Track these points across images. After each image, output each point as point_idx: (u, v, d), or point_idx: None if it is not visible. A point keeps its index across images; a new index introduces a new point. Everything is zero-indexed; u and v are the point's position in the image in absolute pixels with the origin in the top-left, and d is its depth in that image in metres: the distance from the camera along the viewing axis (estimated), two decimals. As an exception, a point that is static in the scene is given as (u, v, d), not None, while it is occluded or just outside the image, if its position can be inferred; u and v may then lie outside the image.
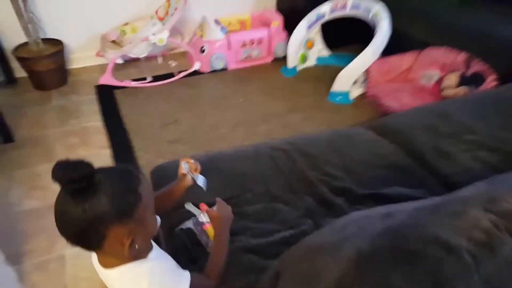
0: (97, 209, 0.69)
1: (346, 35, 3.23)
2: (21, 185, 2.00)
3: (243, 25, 3.44)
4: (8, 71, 2.76)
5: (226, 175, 1.42)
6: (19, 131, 2.38)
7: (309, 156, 1.54)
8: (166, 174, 1.41)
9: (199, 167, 1.15)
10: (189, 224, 1.17)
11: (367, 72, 2.69)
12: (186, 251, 1.15)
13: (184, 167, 1.13)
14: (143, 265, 0.82)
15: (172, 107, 2.69)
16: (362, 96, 2.77)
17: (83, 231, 0.70)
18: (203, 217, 1.16)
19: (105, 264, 0.82)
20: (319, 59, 3.28)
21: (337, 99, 2.79)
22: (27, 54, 2.64)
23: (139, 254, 0.82)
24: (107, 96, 2.77)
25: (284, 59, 3.13)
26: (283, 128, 2.51)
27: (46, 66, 2.67)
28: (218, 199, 1.11)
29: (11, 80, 2.81)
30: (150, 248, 0.87)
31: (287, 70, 3.11)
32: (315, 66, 3.26)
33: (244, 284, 1.06)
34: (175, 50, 3.34)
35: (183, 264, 1.11)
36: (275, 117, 2.61)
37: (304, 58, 3.16)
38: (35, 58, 2.63)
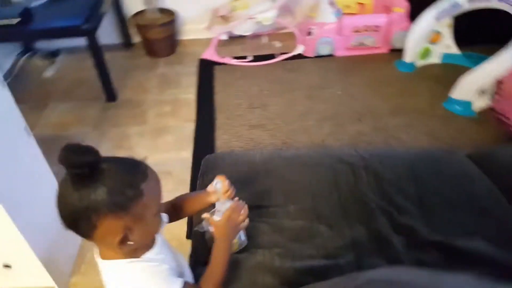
0: (92, 198, 0.67)
1: (483, 32, 2.66)
2: (110, 142, 2.18)
3: (362, 8, 3.11)
4: (126, 35, 3.02)
5: (275, 180, 1.28)
6: (122, 92, 2.59)
7: (379, 177, 1.30)
8: (215, 165, 1.35)
9: (231, 192, 1.03)
10: (206, 225, 1.08)
11: (499, 81, 2.18)
12: (201, 252, 1.08)
13: (215, 186, 1.03)
14: (136, 264, 0.79)
15: (264, 90, 2.60)
16: (488, 110, 2.27)
17: (76, 217, 0.69)
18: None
19: (101, 254, 0.80)
20: (445, 56, 2.79)
21: (455, 108, 2.34)
22: (143, 22, 2.83)
23: (133, 251, 0.79)
24: (206, 71, 2.82)
25: (402, 51, 2.74)
26: (376, 132, 2.22)
27: (158, 34, 2.83)
28: (232, 205, 0.98)
29: (127, 44, 3.07)
30: (148, 247, 0.83)
31: (403, 64, 2.73)
32: (438, 64, 2.79)
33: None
34: (282, 30, 3.21)
35: (196, 266, 1.06)
36: (372, 117, 2.33)
37: (426, 53, 2.72)
38: (149, 26, 2.81)
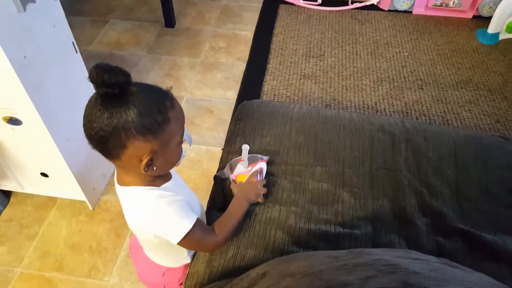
0: (123, 118, 0.67)
1: None
2: (161, 69, 2.21)
3: (455, -37, 2.73)
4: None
5: (307, 138, 1.24)
6: (182, 19, 2.57)
7: (419, 154, 1.21)
8: (250, 113, 1.33)
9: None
10: (228, 172, 1.08)
11: None
12: (218, 198, 1.09)
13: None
14: (153, 192, 0.81)
15: (326, 38, 2.45)
16: None
17: (105, 136, 0.69)
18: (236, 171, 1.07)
19: (120, 180, 0.83)
20: (539, 33, 2.43)
21: (534, 91, 2.08)
22: None
23: (152, 180, 0.81)
24: (270, 9, 2.69)
25: (488, 20, 2.42)
26: (436, 103, 2.05)
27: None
28: (250, 179, 1.03)
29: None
30: (167, 178, 0.85)
31: (486, 35, 2.42)
32: (528, 41, 2.44)
33: (252, 255, 0.96)
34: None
35: (210, 212, 1.08)
36: (435, 87, 2.14)
37: (514, 26, 2.38)
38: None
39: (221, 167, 1.18)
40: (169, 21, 2.46)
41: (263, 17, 2.62)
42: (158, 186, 0.81)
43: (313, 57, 2.33)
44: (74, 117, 1.36)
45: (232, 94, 2.09)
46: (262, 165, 1.08)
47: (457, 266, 0.77)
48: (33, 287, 1.39)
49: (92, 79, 0.65)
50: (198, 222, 0.82)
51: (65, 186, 1.48)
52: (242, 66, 2.26)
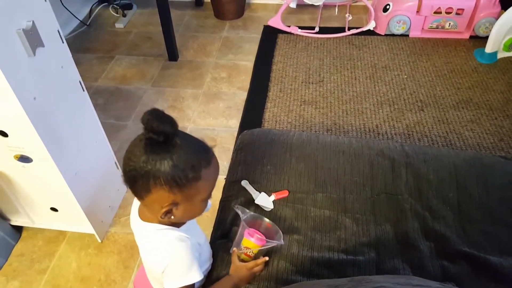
0: (156, 166, 0.70)
1: None
2: (165, 101, 2.27)
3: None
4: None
5: (308, 165, 1.26)
6: (185, 52, 2.65)
7: (419, 177, 1.22)
8: (251, 143, 1.36)
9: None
10: (242, 212, 1.04)
11: None
12: (226, 226, 1.11)
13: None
14: (173, 232, 0.83)
15: (325, 65, 2.51)
16: None
17: (136, 176, 0.73)
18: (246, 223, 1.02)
19: (143, 215, 0.85)
20: (536, 50, 2.47)
21: (535, 109, 2.09)
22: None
23: (171, 223, 0.83)
24: (269, 39, 2.77)
25: (485, 39, 2.47)
26: (437, 124, 2.07)
27: (228, -5, 2.81)
28: (259, 261, 0.98)
29: (199, 3, 3.10)
30: (185, 222, 0.87)
31: (484, 54, 2.46)
32: (526, 59, 2.48)
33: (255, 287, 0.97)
34: (357, 3, 3.03)
35: (217, 240, 1.10)
36: (436, 108, 2.17)
37: (511, 45, 2.42)
38: (220, -13, 2.79)
39: (236, 202, 1.18)
40: (172, 54, 2.54)
41: (262, 47, 2.70)
42: (178, 227, 0.84)
43: (312, 83, 2.38)
44: (82, 152, 1.41)
45: (235, 123, 2.13)
46: (279, 242, 1.00)
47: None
48: (43, 323, 1.39)
49: (142, 122, 0.69)
50: (198, 284, 0.85)
51: (74, 220, 1.51)
52: (243, 95, 2.31)
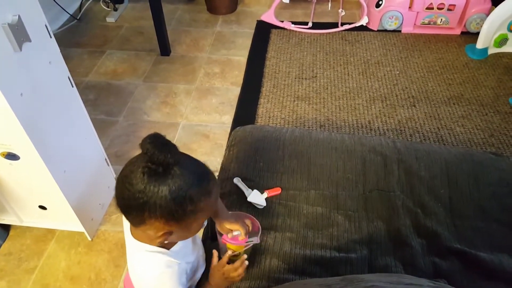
0: (153, 198, 0.66)
1: None
2: (157, 97, 2.25)
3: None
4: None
5: (300, 162, 1.26)
6: (177, 47, 2.62)
7: (411, 174, 1.22)
8: (243, 139, 1.35)
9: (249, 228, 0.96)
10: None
11: None
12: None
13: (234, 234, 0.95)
14: (161, 257, 0.80)
15: (318, 60, 2.50)
16: None
17: (131, 206, 0.69)
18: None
19: (134, 233, 0.82)
20: (525, 46, 2.48)
21: (526, 105, 2.11)
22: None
23: (165, 244, 0.81)
24: (262, 34, 2.75)
25: (476, 35, 2.47)
26: (429, 120, 2.08)
27: (220, -11, 2.78)
28: (236, 264, 0.90)
29: (191, -3, 3.06)
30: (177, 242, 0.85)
31: (475, 50, 2.47)
32: (515, 55, 2.49)
33: (247, 286, 0.96)
34: (351, -2, 3.02)
35: (207, 235, 1.09)
36: (428, 103, 2.17)
37: (501, 41, 2.43)
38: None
39: (230, 199, 1.15)
40: (165, 49, 2.51)
41: (255, 42, 2.68)
42: (168, 248, 0.81)
43: (306, 79, 2.37)
44: (71, 149, 1.39)
45: (228, 119, 2.12)
46: (255, 240, 0.97)
47: (450, 289, 0.78)
48: (32, 322, 1.37)
49: (142, 149, 0.65)
50: None
51: (63, 218, 1.49)
52: (236, 91, 2.29)
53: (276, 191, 1.17)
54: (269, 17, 2.83)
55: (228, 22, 2.91)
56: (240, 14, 2.99)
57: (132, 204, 0.68)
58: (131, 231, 0.82)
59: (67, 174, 1.36)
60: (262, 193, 1.16)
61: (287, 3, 2.85)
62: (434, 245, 1.07)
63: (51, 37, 1.24)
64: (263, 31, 2.78)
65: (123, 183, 0.68)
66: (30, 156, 1.23)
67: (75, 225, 1.51)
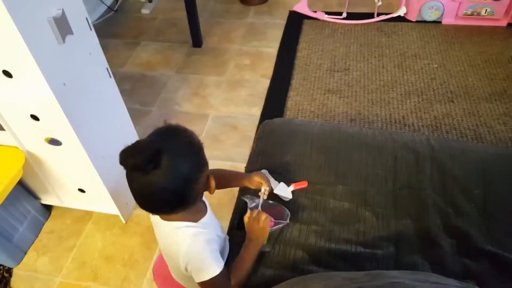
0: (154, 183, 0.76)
1: None
2: (189, 88, 2.29)
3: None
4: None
5: (329, 156, 1.25)
6: (209, 39, 2.65)
7: (444, 172, 1.19)
8: (272, 132, 1.36)
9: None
10: (251, 201, 1.06)
11: None
12: (239, 220, 1.13)
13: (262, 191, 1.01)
14: (191, 229, 0.86)
15: (351, 52, 2.46)
16: None
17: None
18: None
19: (163, 216, 0.88)
20: None
21: None
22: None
23: (191, 215, 0.87)
24: (294, 25, 2.73)
25: (526, 26, 2.35)
26: (467, 117, 2.00)
27: (253, -21, 2.77)
28: (254, 214, 0.96)
29: (225, -12, 3.07)
30: (203, 212, 0.91)
31: (523, 42, 2.34)
32: None
33: (272, 274, 0.99)
34: (388, -13, 2.92)
35: (233, 230, 1.12)
36: (467, 99, 2.09)
37: (551, 33, 2.29)
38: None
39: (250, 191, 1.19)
40: (197, 41, 2.55)
41: (287, 34, 2.66)
42: (196, 221, 0.87)
43: (337, 71, 2.33)
44: (108, 136, 1.45)
45: (257, 111, 2.13)
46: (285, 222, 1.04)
47: (478, 291, 0.76)
48: (71, 298, 1.47)
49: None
50: (223, 270, 0.85)
51: (100, 201, 1.57)
52: (266, 83, 2.30)
53: (303, 184, 1.18)
54: (302, 7, 2.79)
55: (260, 13, 2.90)
56: (273, 4, 2.97)
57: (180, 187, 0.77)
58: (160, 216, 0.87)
59: (104, 159, 1.43)
60: (288, 186, 1.17)
61: (322, -7, 2.81)
62: (465, 246, 1.05)
63: (91, 29, 1.29)
64: (295, 22, 2.76)
65: (134, 189, 0.78)
66: (71, 142, 1.31)
67: (111, 208, 1.59)
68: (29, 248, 1.61)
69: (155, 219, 0.90)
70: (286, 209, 1.06)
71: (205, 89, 2.28)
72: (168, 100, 2.23)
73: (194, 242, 0.84)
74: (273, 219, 0.98)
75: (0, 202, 1.32)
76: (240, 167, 1.85)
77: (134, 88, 2.31)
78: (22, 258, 1.58)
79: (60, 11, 1.11)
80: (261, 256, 1.02)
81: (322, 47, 2.52)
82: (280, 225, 1.03)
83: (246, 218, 0.96)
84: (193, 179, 0.79)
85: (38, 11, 1.05)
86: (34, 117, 1.25)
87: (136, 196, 0.79)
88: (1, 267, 1.54)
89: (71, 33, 1.18)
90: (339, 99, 2.16)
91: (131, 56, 2.56)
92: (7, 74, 1.11)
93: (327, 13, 2.76)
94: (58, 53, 1.15)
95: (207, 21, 2.81)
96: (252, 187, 1.02)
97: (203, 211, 0.91)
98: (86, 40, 1.28)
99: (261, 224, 0.94)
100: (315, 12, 2.77)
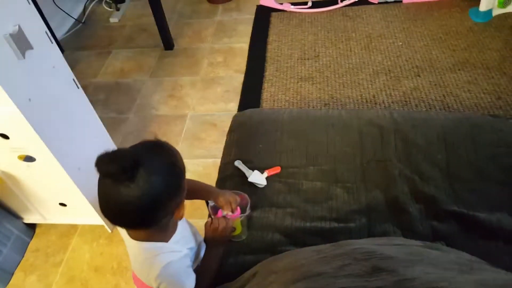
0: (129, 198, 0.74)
1: None
2: (164, 91, 2.31)
3: None
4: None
5: (298, 140, 1.29)
6: (180, 40, 2.67)
7: (408, 142, 1.24)
8: (243, 124, 1.40)
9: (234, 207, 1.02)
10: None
11: None
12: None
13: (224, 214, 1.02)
14: (162, 258, 0.84)
15: (319, 39, 2.50)
16: None
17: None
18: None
19: (133, 236, 0.87)
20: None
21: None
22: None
23: (160, 236, 0.85)
24: (263, 19, 2.76)
25: (479, -2, 2.42)
26: (434, 88, 2.07)
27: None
28: (220, 217, 0.99)
29: (189, -11, 3.08)
30: (174, 230, 0.89)
31: (479, 13, 2.41)
32: (522, 14, 2.42)
33: (252, 260, 1.02)
34: (348, -27, 2.97)
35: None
36: (432, 72, 2.15)
37: (506, 1, 2.36)
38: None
39: (233, 182, 1.21)
40: (168, 44, 2.57)
41: (256, 28, 2.70)
42: (167, 241, 0.86)
43: (308, 59, 2.38)
44: (83, 147, 1.47)
45: (233, 106, 2.16)
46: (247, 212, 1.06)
47: (439, 248, 0.81)
48: (64, 311, 1.48)
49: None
50: (195, 282, 0.87)
51: (83, 213, 1.58)
52: (240, 78, 2.33)
53: (276, 170, 1.22)
54: (268, 1, 2.83)
55: (228, 10, 2.93)
56: (240, 0, 3.00)
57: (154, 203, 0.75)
58: (131, 235, 0.86)
59: (81, 171, 1.45)
60: (262, 173, 1.21)
61: (285, -15, 2.84)
62: (432, 209, 1.10)
63: (52, 42, 1.30)
64: (263, 15, 2.79)
65: (105, 200, 0.76)
66: (45, 157, 1.32)
67: (95, 219, 1.60)
68: (15, 269, 1.61)
69: (123, 232, 0.88)
70: (246, 196, 1.06)
71: (180, 90, 2.31)
72: (145, 105, 2.25)
73: (166, 267, 0.82)
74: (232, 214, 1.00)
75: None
76: (215, 162, 1.87)
77: (109, 97, 2.32)
78: (9, 280, 1.58)
79: (17, 27, 1.13)
80: (239, 244, 1.06)
81: (291, 37, 2.56)
82: (243, 217, 1.04)
83: (205, 227, 0.98)
84: (163, 202, 0.76)
85: (-6, 30, 1.07)
86: (4, 136, 1.26)
87: (102, 203, 0.76)
88: (-11, 290, 1.55)
89: (31, 47, 1.19)
90: (312, 85, 2.20)
91: (103, 65, 2.56)
92: (-31, 95, 1.12)
93: (292, 4, 2.79)
94: (19, 69, 1.16)
95: (177, 23, 2.83)
96: (218, 206, 1.02)
97: (175, 228, 0.89)
98: (48, 54, 1.30)
99: (219, 232, 0.96)
100: (282, 4, 2.81)
